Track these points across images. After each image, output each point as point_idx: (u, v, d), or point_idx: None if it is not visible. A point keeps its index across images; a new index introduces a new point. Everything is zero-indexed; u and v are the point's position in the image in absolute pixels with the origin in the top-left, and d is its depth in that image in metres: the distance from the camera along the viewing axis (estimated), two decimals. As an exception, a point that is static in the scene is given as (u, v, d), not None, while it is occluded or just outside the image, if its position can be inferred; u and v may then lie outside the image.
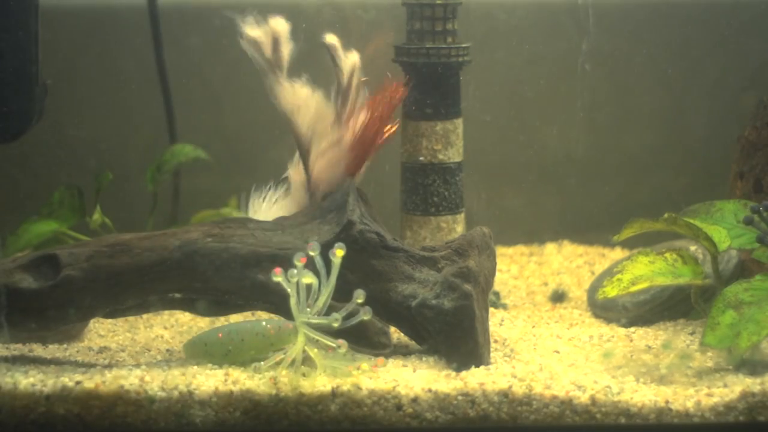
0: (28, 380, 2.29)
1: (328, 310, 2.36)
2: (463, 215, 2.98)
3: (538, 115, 3.39)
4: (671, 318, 2.86)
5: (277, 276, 2.32)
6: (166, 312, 2.84)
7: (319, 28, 2.64)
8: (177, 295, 2.47)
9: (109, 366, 2.43)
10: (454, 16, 2.92)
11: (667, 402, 2.26)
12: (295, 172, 2.63)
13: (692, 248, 2.89)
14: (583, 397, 2.27)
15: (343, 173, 2.58)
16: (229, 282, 2.44)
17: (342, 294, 2.38)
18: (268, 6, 2.64)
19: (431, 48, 2.90)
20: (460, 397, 2.27)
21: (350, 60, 2.62)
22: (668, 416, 2.26)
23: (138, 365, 2.40)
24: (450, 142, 2.93)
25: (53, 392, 2.26)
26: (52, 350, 2.58)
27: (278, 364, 2.32)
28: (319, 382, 2.27)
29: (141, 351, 2.59)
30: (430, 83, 2.91)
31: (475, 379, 2.31)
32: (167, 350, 2.60)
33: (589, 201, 3.41)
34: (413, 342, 2.52)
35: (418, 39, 2.91)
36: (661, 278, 2.58)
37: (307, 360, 2.34)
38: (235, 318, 2.64)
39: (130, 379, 2.28)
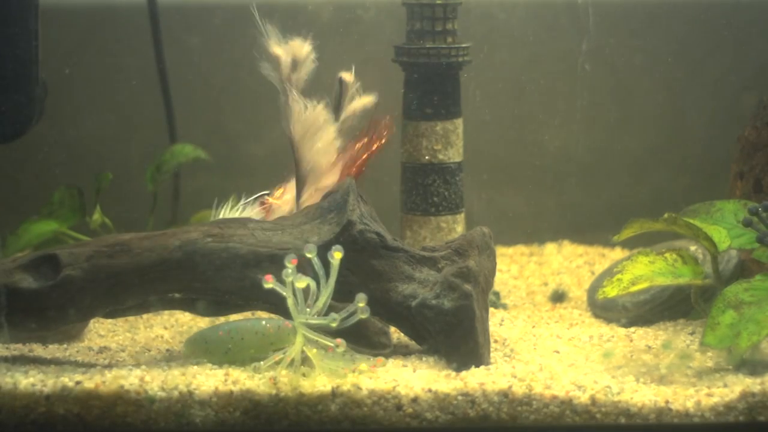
0: (28, 380, 2.29)
1: (329, 311, 2.36)
2: (463, 215, 2.98)
3: (538, 115, 3.39)
4: (671, 318, 2.86)
5: (268, 283, 2.33)
6: (166, 312, 2.84)
7: (319, 28, 2.65)
8: (177, 295, 2.47)
9: (109, 366, 2.43)
10: (454, 16, 2.92)
11: (667, 402, 2.26)
12: (280, 199, 2.64)
13: (692, 248, 2.89)
14: (583, 397, 2.27)
15: None
16: (229, 282, 2.44)
17: (342, 294, 2.38)
18: (269, 6, 2.64)
19: (431, 48, 2.90)
20: (460, 397, 2.27)
21: (361, 102, 2.63)
22: (668, 416, 2.26)
23: (138, 365, 2.40)
24: (450, 142, 2.93)
25: (53, 392, 2.26)
26: (52, 350, 2.58)
27: (277, 363, 2.33)
28: (319, 382, 2.27)
29: (141, 351, 2.59)
30: (430, 83, 2.91)
31: (475, 379, 2.31)
32: (167, 350, 2.60)
33: (589, 201, 3.41)
34: (413, 342, 2.52)
35: (418, 39, 2.91)
36: (661, 278, 2.58)
37: (308, 360, 2.34)
38: (235, 318, 2.64)
39: (130, 379, 2.28)
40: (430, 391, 2.27)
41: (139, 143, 3.37)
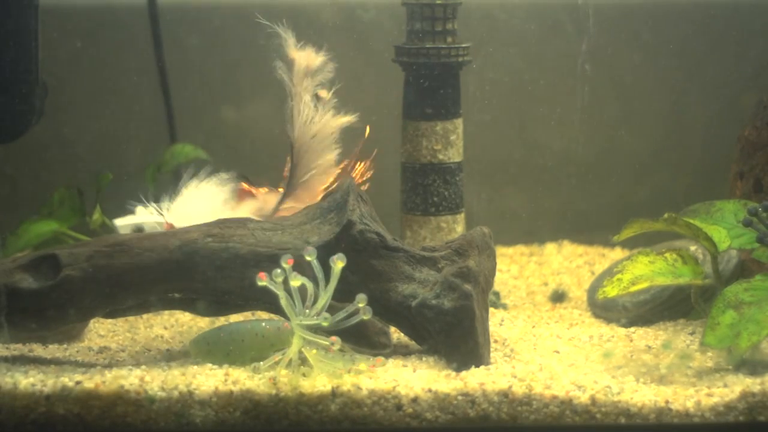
0: (28, 380, 2.29)
1: (329, 311, 2.36)
2: (463, 215, 2.98)
3: (538, 115, 3.39)
4: (671, 318, 2.86)
5: (263, 281, 2.33)
6: (166, 312, 2.84)
7: (319, 28, 2.65)
8: (177, 295, 2.47)
9: (109, 366, 2.43)
10: (454, 16, 2.92)
11: (667, 402, 2.26)
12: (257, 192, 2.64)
13: (692, 248, 2.89)
14: (583, 397, 2.27)
15: None
16: (229, 282, 2.44)
17: (342, 294, 2.38)
18: (269, 6, 2.64)
19: (431, 48, 2.90)
20: (460, 397, 2.27)
21: (338, 121, 2.63)
22: (668, 416, 2.26)
23: (138, 365, 2.40)
24: (450, 142, 2.93)
25: (53, 392, 2.26)
26: (52, 350, 2.58)
27: (277, 364, 2.33)
28: (319, 382, 2.27)
29: (141, 351, 2.59)
30: (430, 83, 2.91)
31: (475, 379, 2.31)
32: (167, 350, 2.60)
33: (589, 201, 3.41)
34: (413, 342, 2.52)
35: (418, 39, 2.91)
36: (661, 278, 2.58)
37: (309, 360, 2.34)
38: (235, 318, 2.64)
39: (130, 379, 2.28)
40: (430, 391, 2.27)
41: (139, 143, 3.37)
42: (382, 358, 2.38)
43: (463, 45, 2.92)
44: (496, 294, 3.05)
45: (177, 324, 2.84)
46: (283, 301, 2.34)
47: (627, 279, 2.58)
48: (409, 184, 2.96)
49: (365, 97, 3.10)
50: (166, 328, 2.81)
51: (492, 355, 2.49)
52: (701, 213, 2.71)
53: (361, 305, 2.34)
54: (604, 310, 2.92)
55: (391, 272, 2.48)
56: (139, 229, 2.52)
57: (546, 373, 2.37)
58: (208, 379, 2.29)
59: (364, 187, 2.64)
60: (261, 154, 3.26)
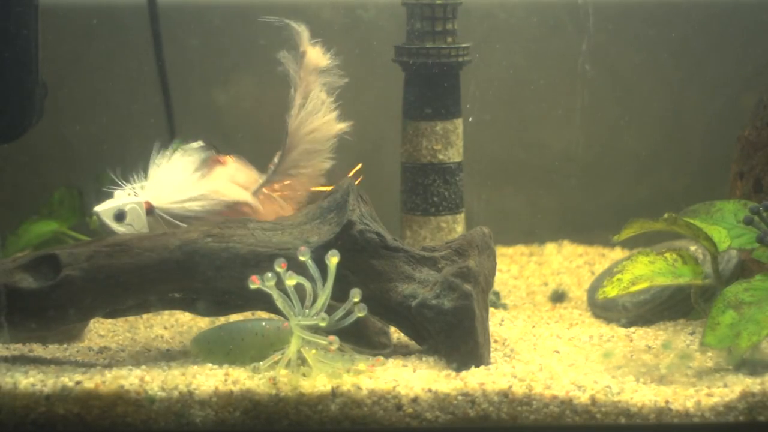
0: (28, 380, 2.29)
1: (328, 311, 2.36)
2: (463, 215, 2.98)
3: (538, 115, 3.40)
4: (671, 318, 2.86)
5: (254, 284, 2.33)
6: (166, 312, 2.84)
7: (318, 27, 2.64)
8: (177, 295, 2.47)
9: (109, 366, 2.43)
10: (454, 16, 2.92)
11: (667, 402, 2.26)
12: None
13: (692, 248, 2.89)
14: (583, 397, 2.27)
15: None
16: (229, 282, 2.44)
17: (343, 294, 2.38)
18: (270, 6, 2.64)
19: (431, 48, 2.90)
20: (460, 397, 2.27)
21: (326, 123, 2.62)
22: (668, 416, 2.26)
23: (138, 365, 2.40)
24: (450, 142, 2.93)
25: (53, 392, 2.26)
26: (52, 350, 2.58)
27: (276, 364, 2.33)
28: (319, 382, 2.27)
29: (141, 351, 2.59)
30: (429, 83, 2.91)
31: (475, 379, 2.31)
32: (167, 350, 2.60)
33: (589, 201, 3.41)
34: (413, 342, 2.52)
35: (418, 39, 2.91)
36: (661, 278, 2.58)
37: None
38: (235, 318, 2.64)
39: (130, 379, 2.28)
40: (430, 391, 2.27)
41: (140, 143, 3.36)
42: (381, 358, 2.39)
43: (463, 45, 2.92)
44: (496, 294, 3.05)
45: (177, 324, 2.84)
46: (279, 302, 2.34)
47: (627, 279, 2.58)
48: (409, 184, 2.96)
49: (365, 97, 3.11)
50: (166, 328, 2.81)
51: (492, 355, 2.49)
52: (701, 213, 2.71)
53: (355, 300, 2.34)
54: (604, 310, 2.92)
55: (391, 272, 2.48)
56: (120, 212, 2.51)
57: (546, 373, 2.37)
58: (208, 379, 2.30)
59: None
60: (262, 155, 3.26)
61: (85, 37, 3.30)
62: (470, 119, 3.01)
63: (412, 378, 2.32)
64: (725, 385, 2.33)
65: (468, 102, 2.98)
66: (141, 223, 2.52)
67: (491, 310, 2.74)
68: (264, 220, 2.53)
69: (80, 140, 3.31)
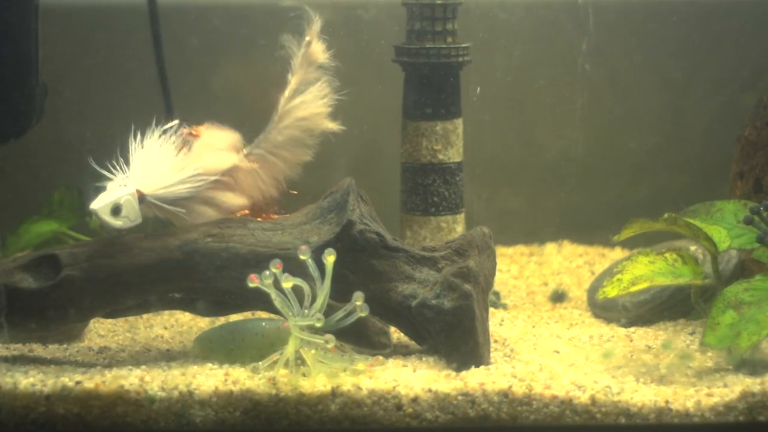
0: (28, 380, 2.29)
1: (328, 311, 2.36)
2: (463, 215, 2.98)
3: (538, 115, 3.39)
4: (671, 318, 2.86)
5: (253, 283, 2.33)
6: (166, 312, 2.84)
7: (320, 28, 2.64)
8: (177, 295, 2.47)
9: (109, 366, 2.43)
10: (454, 16, 2.92)
11: (667, 402, 2.26)
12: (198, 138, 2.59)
13: (692, 248, 2.89)
14: (583, 397, 2.27)
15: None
16: (229, 282, 2.44)
17: (342, 294, 2.38)
18: (270, 6, 2.64)
19: (431, 48, 2.90)
20: (460, 397, 2.27)
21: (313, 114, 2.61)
22: (668, 416, 2.26)
23: (138, 365, 2.40)
24: (450, 142, 2.93)
25: (53, 392, 2.26)
26: (52, 350, 2.58)
27: (275, 364, 2.33)
28: (319, 382, 2.27)
29: (141, 351, 2.59)
30: (429, 83, 2.91)
31: (475, 379, 2.31)
32: (167, 350, 2.60)
33: (589, 201, 3.41)
34: (413, 342, 2.52)
35: (418, 39, 2.91)
36: (661, 278, 2.58)
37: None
38: (235, 318, 2.64)
39: (130, 379, 2.28)
40: (430, 391, 2.27)
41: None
42: (380, 358, 2.38)
43: (463, 45, 2.92)
44: (496, 294, 3.05)
45: (177, 324, 2.84)
46: (277, 302, 2.34)
47: (627, 279, 2.58)
48: (409, 184, 2.96)
49: (365, 97, 3.10)
50: (166, 328, 2.81)
51: (492, 355, 2.49)
52: (701, 213, 2.71)
53: (358, 303, 2.34)
54: (604, 310, 2.92)
55: (391, 272, 2.48)
56: (116, 206, 2.47)
57: (546, 373, 2.37)
58: (208, 379, 2.30)
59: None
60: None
61: (84, 37, 3.30)
62: (478, 90, 3.00)
63: (412, 378, 2.32)
64: (725, 385, 2.33)
65: (468, 102, 2.98)
66: (135, 213, 2.47)
67: (491, 310, 2.74)
68: (264, 221, 2.53)
69: (80, 140, 3.31)
